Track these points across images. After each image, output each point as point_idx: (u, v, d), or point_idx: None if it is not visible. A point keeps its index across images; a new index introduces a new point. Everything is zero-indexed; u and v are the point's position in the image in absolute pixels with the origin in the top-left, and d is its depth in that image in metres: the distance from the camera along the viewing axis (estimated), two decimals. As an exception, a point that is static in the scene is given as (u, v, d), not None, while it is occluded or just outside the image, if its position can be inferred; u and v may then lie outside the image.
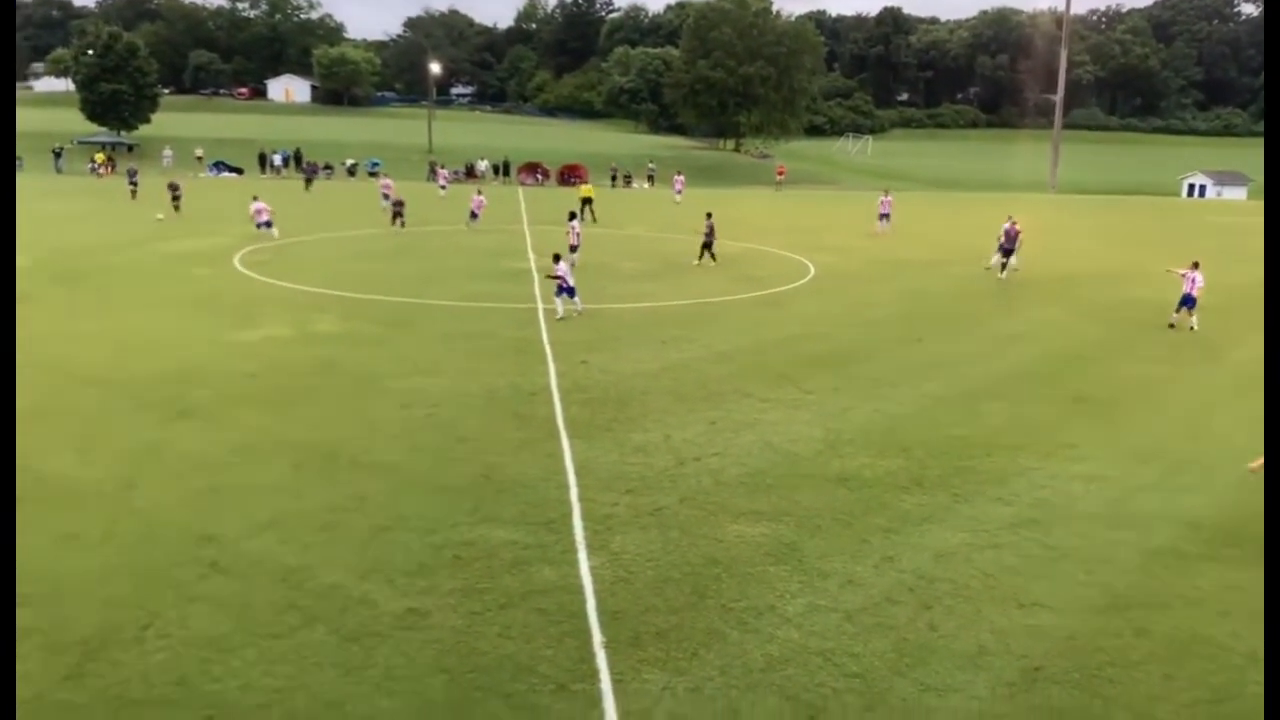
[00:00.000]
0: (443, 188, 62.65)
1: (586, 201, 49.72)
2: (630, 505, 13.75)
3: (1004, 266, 35.19)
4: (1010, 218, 36.33)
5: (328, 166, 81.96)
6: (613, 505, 13.71)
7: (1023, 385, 20.77)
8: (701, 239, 35.57)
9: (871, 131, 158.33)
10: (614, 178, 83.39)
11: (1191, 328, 26.70)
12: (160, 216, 44.64)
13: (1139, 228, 41.04)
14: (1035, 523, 13.70)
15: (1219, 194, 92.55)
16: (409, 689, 9.26)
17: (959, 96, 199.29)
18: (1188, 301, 26.78)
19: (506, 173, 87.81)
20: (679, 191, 63.68)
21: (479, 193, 47.64)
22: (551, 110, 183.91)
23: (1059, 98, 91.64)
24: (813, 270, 35.13)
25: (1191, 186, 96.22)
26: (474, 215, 45.49)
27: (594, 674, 9.58)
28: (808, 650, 10.18)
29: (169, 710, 8.80)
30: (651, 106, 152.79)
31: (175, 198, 46.98)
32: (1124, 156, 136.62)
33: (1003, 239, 35.37)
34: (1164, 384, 21.32)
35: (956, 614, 11.08)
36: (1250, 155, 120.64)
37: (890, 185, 59.74)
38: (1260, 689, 9.74)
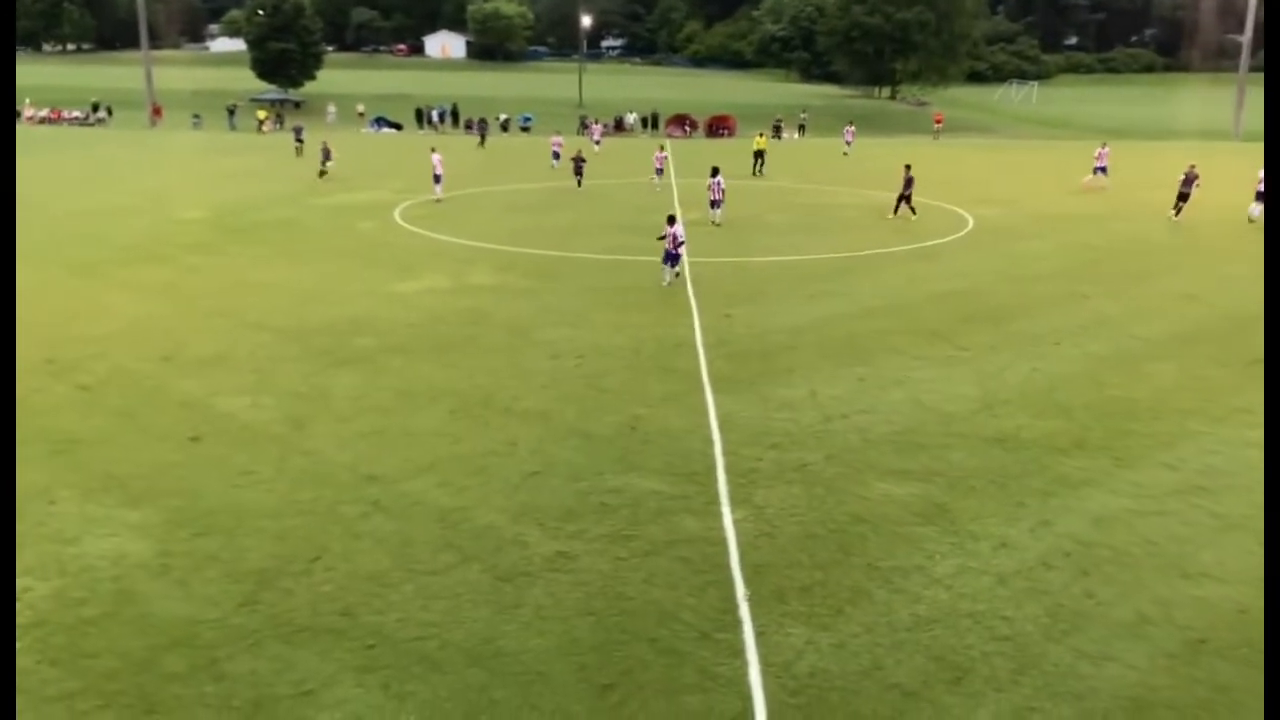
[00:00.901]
0: (597, 142, 63.21)
1: (759, 154, 49.07)
2: (775, 460, 13.72)
3: (1179, 210, 35.62)
4: (1191, 165, 35.20)
5: (483, 121, 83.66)
6: (757, 460, 13.72)
7: (1195, 346, 19.63)
8: (900, 191, 34.78)
9: (1037, 78, 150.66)
10: (776, 129, 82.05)
11: None
12: (325, 170, 46.39)
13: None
14: (1204, 490, 13.00)
15: None
16: (557, 629, 9.57)
17: (1133, 39, 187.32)
18: None
19: (655, 125, 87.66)
20: (849, 143, 61.99)
21: (661, 148, 47.57)
22: (701, 61, 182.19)
23: (1246, 38, 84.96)
24: (971, 223, 33.93)
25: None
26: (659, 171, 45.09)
27: (736, 624, 9.67)
28: (957, 612, 10.00)
29: (334, 638, 9.36)
30: (804, 54, 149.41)
31: (325, 158, 47.41)
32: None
33: (1182, 183, 35.52)
34: (1357, 347, 19.76)
35: (1116, 581, 10.66)
36: None
37: (1054, 133, 56.87)
38: None
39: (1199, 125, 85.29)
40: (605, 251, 28.71)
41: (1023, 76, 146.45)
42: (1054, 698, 8.65)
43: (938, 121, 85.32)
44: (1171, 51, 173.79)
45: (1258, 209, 34.01)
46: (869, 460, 13.81)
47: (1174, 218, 35.64)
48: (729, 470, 13.36)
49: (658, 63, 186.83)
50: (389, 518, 11.85)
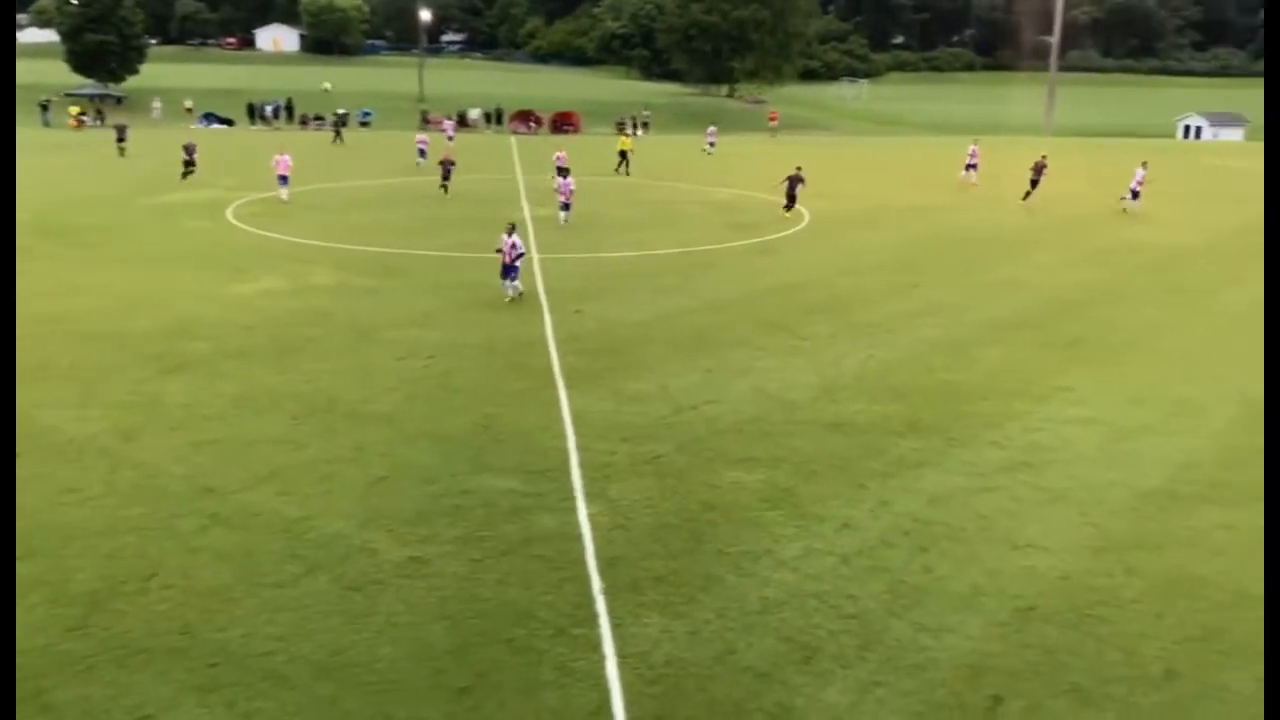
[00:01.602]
0: (450, 138, 61.93)
1: (624, 153, 48.74)
2: (628, 453, 13.84)
3: (1028, 196, 39.51)
4: (1042, 156, 40.70)
5: (319, 117, 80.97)
6: (610, 454, 13.80)
7: (1019, 331, 20.81)
8: (786, 189, 35.08)
9: (867, 75, 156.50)
10: (620, 125, 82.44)
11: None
12: (189, 170, 42.82)
13: (1131, 170, 40.93)
14: (1029, 466, 13.81)
15: (1215, 135, 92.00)
16: (411, 635, 9.39)
17: (955, 39, 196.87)
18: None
19: (499, 121, 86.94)
20: (711, 143, 61.92)
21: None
22: (544, 57, 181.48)
23: (1055, 39, 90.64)
24: (807, 217, 34.97)
25: (1187, 128, 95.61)
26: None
27: (593, 618, 9.71)
28: (804, 593, 10.32)
29: (174, 659, 8.93)
30: (644, 52, 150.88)
31: (189, 158, 43.64)
32: (1120, 98, 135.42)
33: (1033, 171, 39.53)
34: (1159, 327, 21.36)
35: (951, 556, 11.22)
36: (1247, 96, 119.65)
37: (885, 130, 59.28)
38: (1250, 626, 9.91)
39: (1015, 121, 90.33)
40: (455, 249, 28.29)
41: (854, 74, 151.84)
42: (897, 671, 9.04)
43: (772, 119, 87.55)
44: (989, 51, 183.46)
45: (1132, 203, 37.14)
46: (718, 449, 14.09)
47: (1024, 203, 38.96)
48: (583, 465, 13.39)
49: (500, 58, 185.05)
50: (229, 530, 11.37)
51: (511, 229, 21.75)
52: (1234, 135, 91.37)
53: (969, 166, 45.19)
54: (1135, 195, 37.24)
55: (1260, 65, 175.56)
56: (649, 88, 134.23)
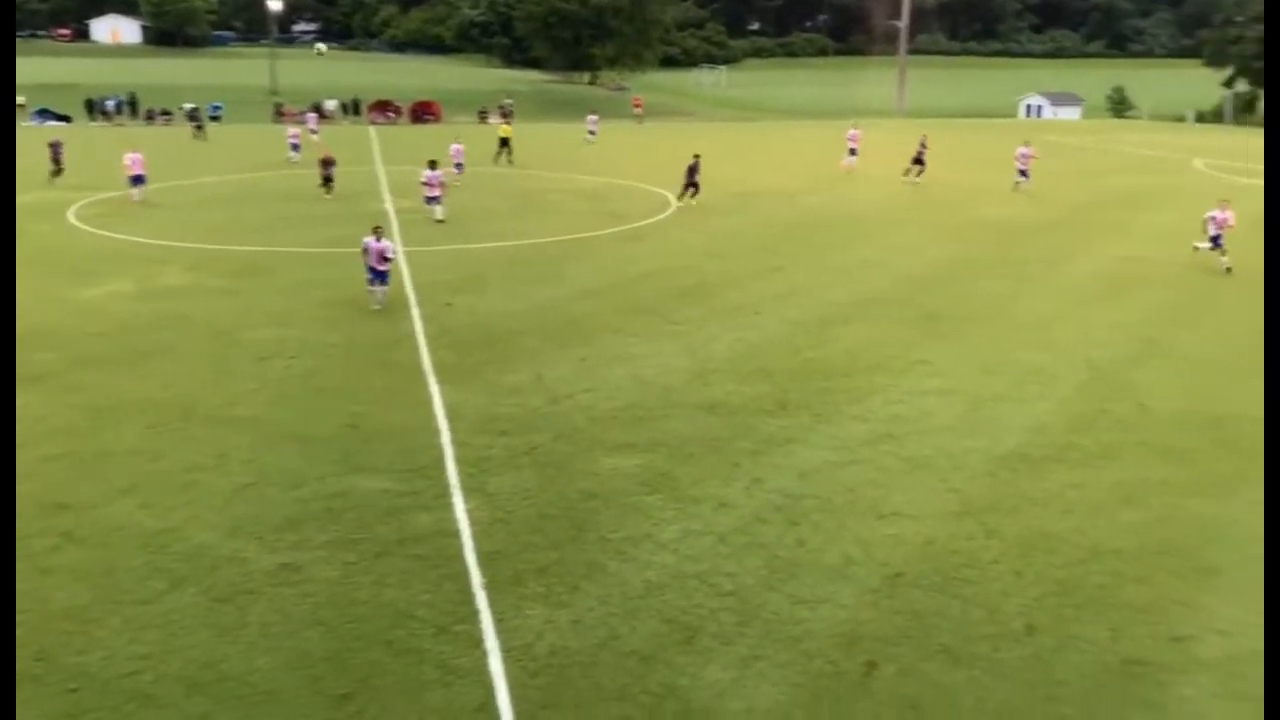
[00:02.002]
0: (314, 131, 58.90)
1: (504, 141, 47.59)
2: (505, 446, 13.76)
3: (913, 173, 40.67)
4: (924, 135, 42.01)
5: (166, 112, 77.42)
6: (487, 447, 13.69)
7: (877, 308, 21.50)
8: (684, 178, 34.83)
9: (725, 62, 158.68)
10: (483, 114, 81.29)
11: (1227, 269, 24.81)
12: (58, 170, 39.78)
13: (982, 148, 42.76)
14: (892, 437, 14.32)
15: (1055, 114, 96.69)
16: (286, 644, 9.14)
17: (808, 25, 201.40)
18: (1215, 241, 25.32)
19: (356, 111, 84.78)
20: (592, 131, 60.76)
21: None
22: (401, 46, 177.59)
23: (904, 24, 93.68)
24: (674, 203, 35.31)
25: (1029, 107, 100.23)
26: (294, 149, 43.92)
27: (475, 614, 9.64)
28: (684, 574, 10.48)
29: (31, 687, 8.47)
30: (504, 40, 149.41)
31: (55, 159, 40.15)
32: (966, 80, 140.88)
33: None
34: (1009, 299, 22.39)
35: (822, 528, 11.55)
36: (1082, 76, 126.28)
37: (745, 115, 60.26)
38: (1100, 579, 10.53)
39: (870, 104, 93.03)
40: (317, 245, 27.50)
41: (712, 61, 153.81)
42: (775, 644, 9.27)
43: (637, 106, 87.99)
44: (842, 36, 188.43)
45: (1024, 181, 38.68)
46: (596, 437, 14.14)
47: (913, 180, 40.33)
48: (459, 460, 13.25)
49: (355, 48, 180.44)
50: (85, 548, 10.84)
51: (378, 232, 20.45)
52: (1072, 114, 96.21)
53: (851, 151, 45.26)
54: (1024, 174, 38.63)
55: (1094, 47, 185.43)
56: (511, 75, 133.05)
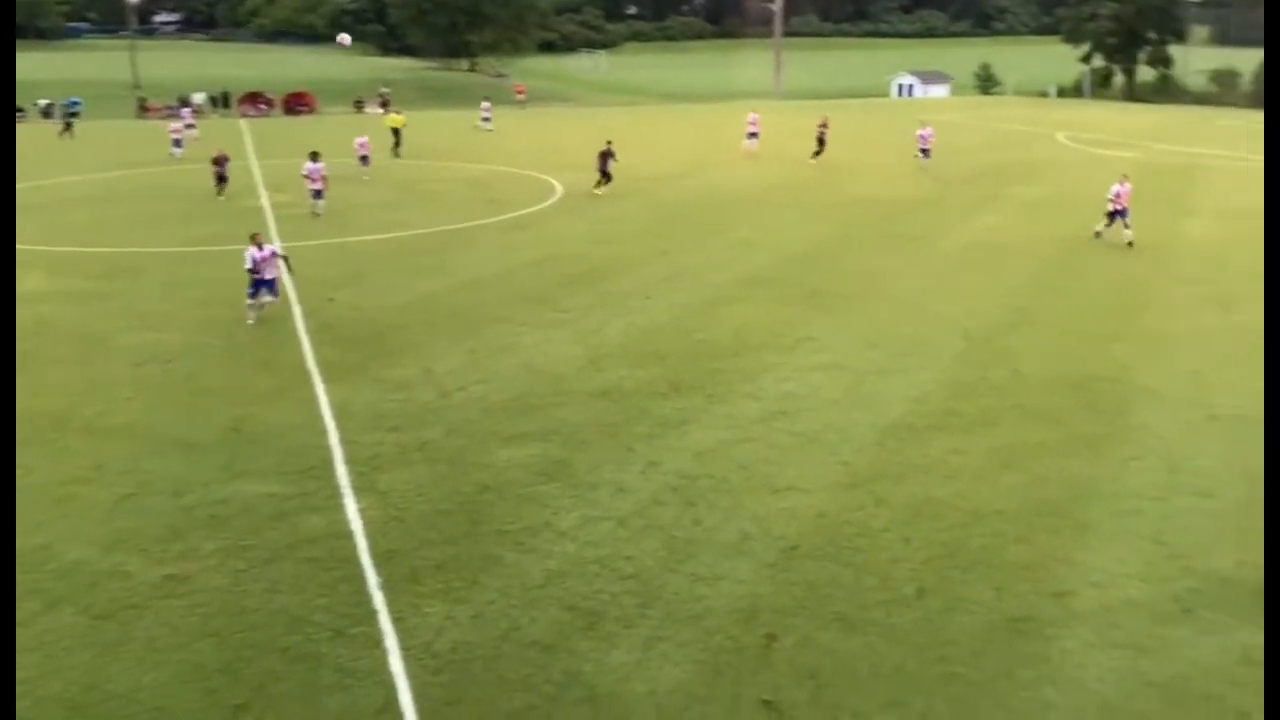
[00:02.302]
0: (190, 125, 55.94)
1: (396, 132, 46.05)
2: (395, 443, 13.54)
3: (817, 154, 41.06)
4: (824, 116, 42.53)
5: (19, 109, 73.40)
6: (377, 445, 13.45)
7: (763, 287, 21.85)
8: (598, 164, 34.09)
9: (604, 46, 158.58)
10: (359, 104, 79.30)
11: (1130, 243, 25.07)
12: None
13: (856, 127, 43.88)
14: (783, 414, 14.60)
15: (925, 92, 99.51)
16: (176, 658, 8.83)
17: (684, 8, 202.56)
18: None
19: (226, 105, 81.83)
20: (486, 118, 59.30)
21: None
22: (270, 35, 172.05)
23: (777, 6, 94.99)
24: (559, 190, 35.19)
25: (900, 86, 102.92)
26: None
27: (372, 615, 9.48)
28: (584, 560, 10.50)
29: (-102, 723, 7.99)
30: (378, 27, 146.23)
31: None
32: (839, 60, 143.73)
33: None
34: (888, 274, 23.01)
35: (719, 507, 11.71)
36: (949, 54, 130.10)
37: (627, 99, 60.33)
38: (984, 541, 10.95)
39: (748, 86, 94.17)
40: (191, 243, 26.50)
41: (591, 46, 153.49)
42: (677, 623, 9.38)
43: (519, 92, 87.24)
44: (718, 19, 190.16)
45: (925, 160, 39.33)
46: (489, 429, 14.03)
47: (814, 161, 40.82)
48: (348, 460, 12.99)
49: (221, 38, 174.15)
50: (-49, 572, 10.25)
51: (258, 239, 18.99)
52: (941, 91, 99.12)
53: (750, 135, 45.39)
54: (926, 153, 39.26)
55: (961, 25, 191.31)
56: (386, 64, 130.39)
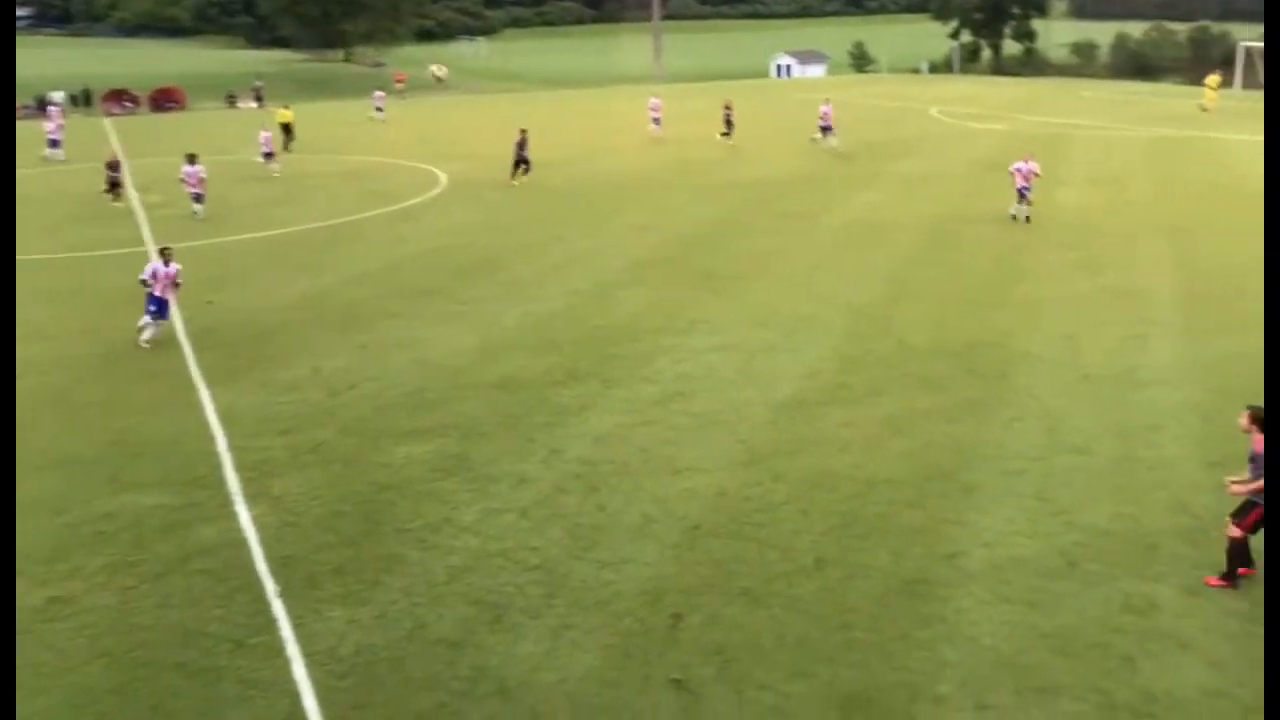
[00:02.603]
0: (58, 126, 52.21)
1: (287, 128, 44.17)
2: (287, 446, 13.22)
3: (823, 137, 39.78)
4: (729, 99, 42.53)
5: None
6: (267, 450, 13.11)
7: (656, 270, 21.98)
8: (514, 154, 33.07)
9: (483, 33, 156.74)
10: (231, 99, 76.49)
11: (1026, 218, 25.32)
12: None
13: (740, 108, 44.42)
14: (680, 395, 14.74)
15: (803, 72, 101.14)
16: (64, 682, 8.49)
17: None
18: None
19: (88, 103, 78.19)
20: (380, 109, 57.26)
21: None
22: (132, 29, 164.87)
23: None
24: (444, 180, 34.70)
25: (779, 66, 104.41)
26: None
27: (272, 624, 9.27)
28: (488, 553, 10.44)
29: None
30: (247, 19, 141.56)
31: None
32: (719, 43, 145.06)
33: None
34: (775, 254, 23.38)
35: (621, 491, 11.78)
36: (825, 34, 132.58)
37: (509, 86, 59.68)
38: (878, 509, 11.26)
39: (630, 70, 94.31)
40: (55, 250, 25.27)
41: (470, 32, 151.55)
42: (584, 610, 9.41)
43: (399, 81, 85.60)
44: (596, 3, 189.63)
45: (824, 138, 39.04)
46: (384, 427, 13.81)
47: (728, 140, 41.33)
48: (239, 466, 12.63)
49: (79, 33, 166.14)
50: None
51: (167, 255, 17.70)
52: (818, 71, 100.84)
53: (654, 120, 45.17)
54: (826, 131, 39.11)
55: (834, 5, 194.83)
56: (258, 56, 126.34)
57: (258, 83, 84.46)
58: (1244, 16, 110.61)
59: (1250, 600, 9.26)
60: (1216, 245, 22.74)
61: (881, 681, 8.34)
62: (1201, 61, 72.04)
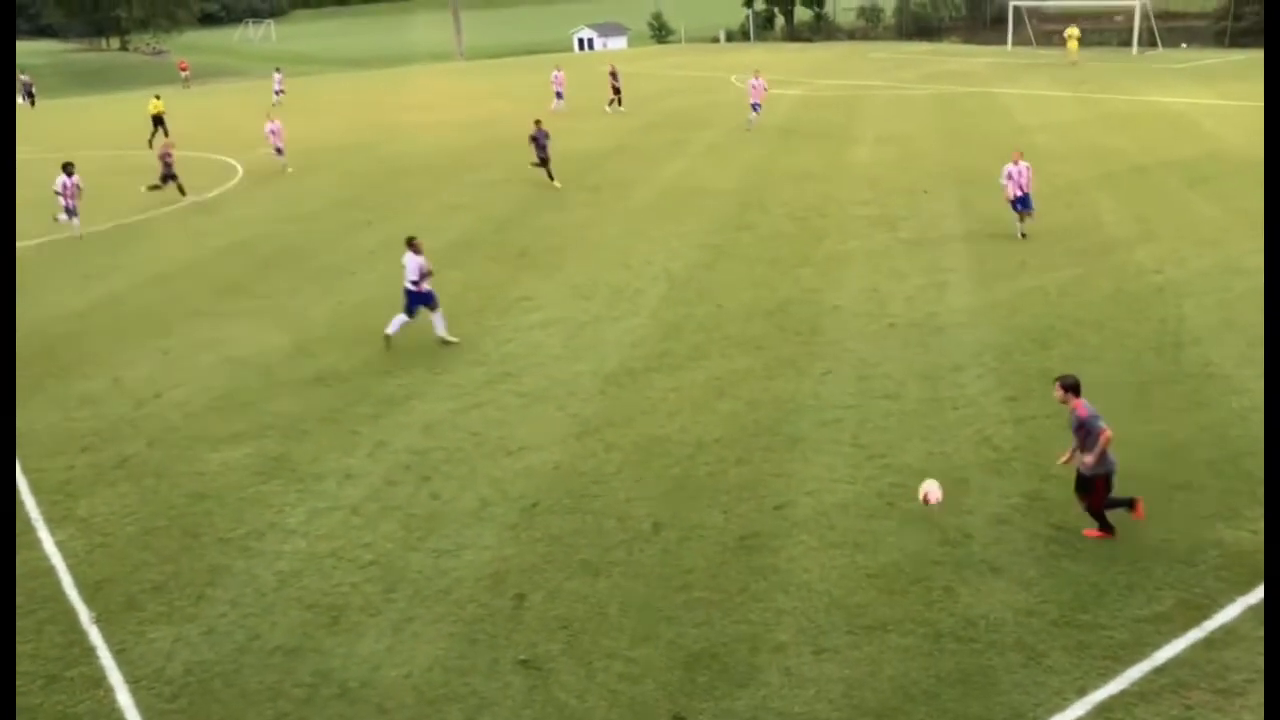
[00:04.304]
0: None
1: (158, 119, 39.91)
2: (90, 464, 12.41)
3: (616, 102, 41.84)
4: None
5: None
6: (68, 469, 12.28)
7: (472, 251, 21.68)
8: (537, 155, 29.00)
9: (272, 15, 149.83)
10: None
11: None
12: None
13: (544, 86, 44.23)
14: (508, 375, 14.65)
15: (604, 44, 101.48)
16: None
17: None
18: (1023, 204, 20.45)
19: None
20: (279, 91, 52.84)
21: None
22: None
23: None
24: (240, 170, 33.06)
25: (581, 40, 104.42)
26: None
27: (90, 652, 8.73)
28: (318, 555, 10.13)
29: None
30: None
31: None
32: (518, 18, 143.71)
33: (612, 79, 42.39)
34: (589, 226, 23.47)
35: (454, 477, 11.63)
36: (625, 6, 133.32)
37: (303, 69, 57.14)
38: (707, 469, 11.54)
39: (428, 49, 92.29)
40: None
41: (256, 16, 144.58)
42: (425, 601, 9.27)
43: (183, 69, 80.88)
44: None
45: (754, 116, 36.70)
46: (196, 434, 13.14)
47: (616, 109, 42.35)
48: (37, 489, 11.78)
49: None
50: None
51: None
52: (619, 43, 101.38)
53: (557, 94, 43.73)
54: (757, 107, 37.15)
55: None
56: (23, 48, 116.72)
57: (24, 77, 78.25)
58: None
59: (1051, 524, 10.01)
60: (1000, 194, 24.26)
61: (724, 636, 8.59)
62: (976, 21, 76.29)
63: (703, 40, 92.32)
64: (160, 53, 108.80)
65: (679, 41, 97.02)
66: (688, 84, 53.74)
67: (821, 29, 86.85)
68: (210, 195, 29.26)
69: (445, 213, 25.60)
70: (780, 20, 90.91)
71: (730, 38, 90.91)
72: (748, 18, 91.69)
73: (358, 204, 27.07)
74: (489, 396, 13.93)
